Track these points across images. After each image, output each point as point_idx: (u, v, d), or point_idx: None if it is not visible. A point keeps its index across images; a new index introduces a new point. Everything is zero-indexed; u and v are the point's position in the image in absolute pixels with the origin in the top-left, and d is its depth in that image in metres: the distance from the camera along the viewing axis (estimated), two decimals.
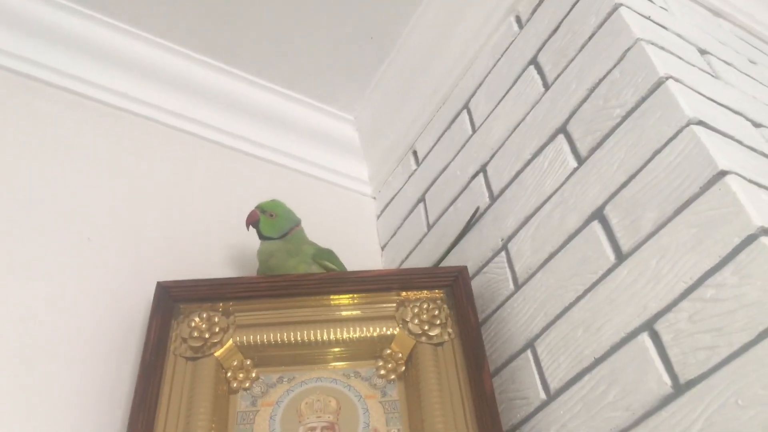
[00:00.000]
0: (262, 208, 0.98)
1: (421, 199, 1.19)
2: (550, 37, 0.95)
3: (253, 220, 0.98)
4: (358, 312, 0.88)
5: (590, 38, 0.86)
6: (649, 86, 0.75)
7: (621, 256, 0.72)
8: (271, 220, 0.98)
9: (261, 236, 0.98)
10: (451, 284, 0.90)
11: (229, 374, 0.82)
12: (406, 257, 1.17)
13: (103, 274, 0.93)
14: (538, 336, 0.81)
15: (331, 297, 0.89)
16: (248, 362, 0.84)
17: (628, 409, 0.66)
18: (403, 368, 0.84)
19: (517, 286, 0.87)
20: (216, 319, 0.85)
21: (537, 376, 0.79)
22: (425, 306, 0.87)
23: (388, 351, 0.85)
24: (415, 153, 1.27)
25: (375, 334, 0.85)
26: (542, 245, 0.84)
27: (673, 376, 0.62)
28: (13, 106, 1.04)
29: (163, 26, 1.20)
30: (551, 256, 0.82)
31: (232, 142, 1.23)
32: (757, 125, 0.79)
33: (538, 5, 1.01)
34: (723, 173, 0.64)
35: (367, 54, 1.29)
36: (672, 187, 0.68)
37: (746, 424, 0.55)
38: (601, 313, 0.73)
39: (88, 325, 0.87)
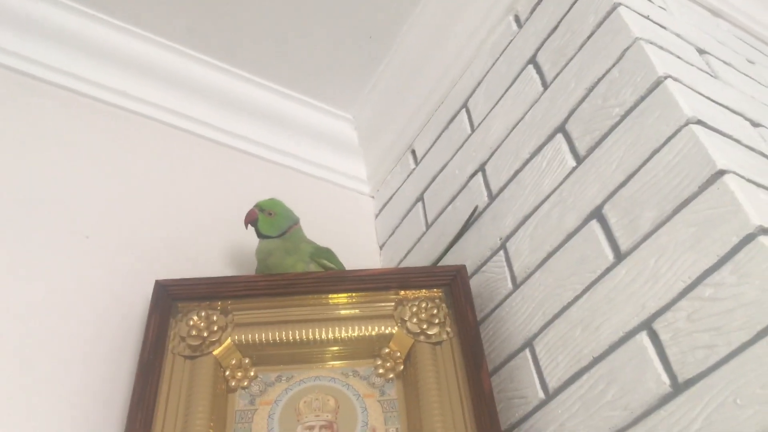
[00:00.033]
0: (260, 207, 0.98)
1: (420, 198, 1.18)
2: (549, 36, 0.95)
3: (251, 219, 0.98)
4: (357, 311, 0.88)
5: (589, 37, 0.86)
6: (648, 85, 0.75)
7: (619, 256, 0.72)
8: (269, 219, 0.98)
9: (259, 235, 0.98)
10: (450, 283, 0.90)
11: (227, 373, 0.82)
12: (405, 256, 1.17)
13: (101, 273, 0.93)
14: (536, 335, 0.81)
15: (330, 296, 0.88)
16: (247, 361, 0.84)
17: (627, 408, 0.66)
18: (402, 367, 0.84)
19: (516, 286, 0.87)
20: (214, 318, 0.85)
21: (535, 376, 0.79)
22: (424, 305, 0.87)
23: (387, 350, 0.85)
24: (413, 152, 1.27)
25: (373, 333, 0.85)
26: (541, 244, 0.84)
27: (672, 375, 0.63)
28: (10, 103, 1.04)
29: (161, 24, 1.20)
30: (550, 255, 0.82)
31: (230, 141, 1.23)
32: (755, 125, 0.79)
33: (537, 4, 1.01)
34: (721, 172, 0.64)
35: (366, 53, 1.29)
36: (671, 187, 0.68)
37: (745, 423, 0.55)
38: (600, 312, 0.73)
39: (86, 323, 0.87)
